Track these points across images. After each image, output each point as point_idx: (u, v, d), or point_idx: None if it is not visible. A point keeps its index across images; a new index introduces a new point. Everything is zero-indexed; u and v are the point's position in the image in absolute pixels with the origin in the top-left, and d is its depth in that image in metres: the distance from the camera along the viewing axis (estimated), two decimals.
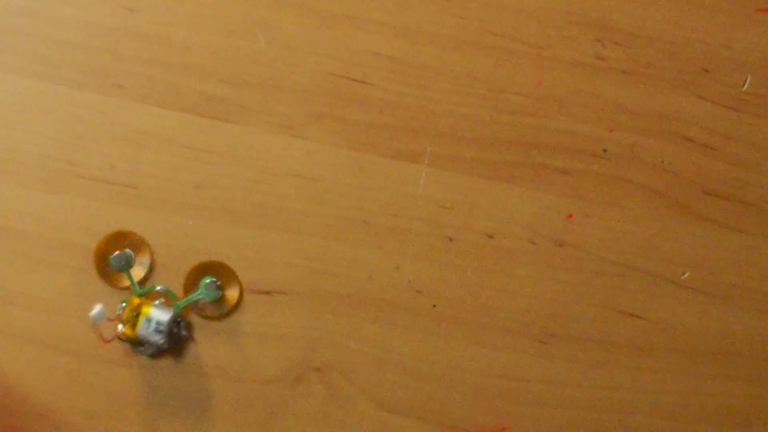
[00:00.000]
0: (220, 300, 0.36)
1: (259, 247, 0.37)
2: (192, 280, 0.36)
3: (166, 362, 0.36)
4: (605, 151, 0.38)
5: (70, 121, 0.37)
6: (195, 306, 0.36)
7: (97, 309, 0.34)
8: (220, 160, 0.37)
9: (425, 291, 0.37)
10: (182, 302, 0.36)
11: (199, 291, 0.36)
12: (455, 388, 0.37)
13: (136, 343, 0.35)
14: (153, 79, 0.37)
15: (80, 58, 0.37)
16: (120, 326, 0.35)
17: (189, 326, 0.36)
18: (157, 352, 0.36)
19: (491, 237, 0.37)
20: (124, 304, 0.35)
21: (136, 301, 0.35)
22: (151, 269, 0.36)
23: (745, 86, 0.38)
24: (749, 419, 0.37)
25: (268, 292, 0.37)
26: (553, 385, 0.37)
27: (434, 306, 0.37)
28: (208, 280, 0.36)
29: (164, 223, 0.37)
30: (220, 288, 0.36)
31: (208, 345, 0.37)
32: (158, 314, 0.35)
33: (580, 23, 0.38)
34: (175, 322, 0.35)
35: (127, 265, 0.36)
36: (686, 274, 0.38)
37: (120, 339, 0.35)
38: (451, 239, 0.37)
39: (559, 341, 0.37)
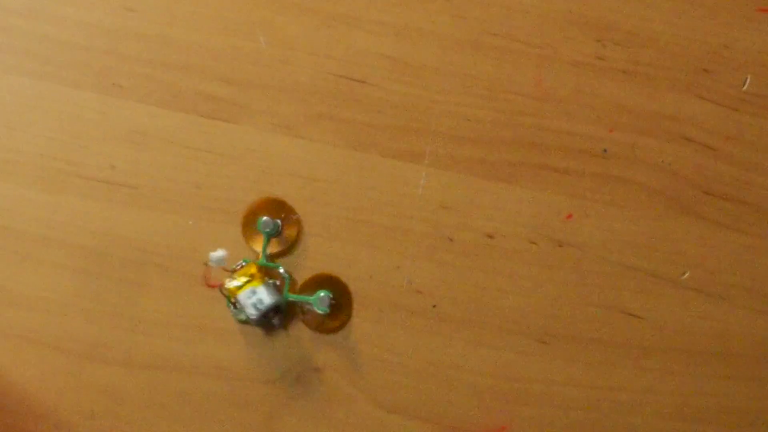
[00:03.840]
0: (325, 314, 0.36)
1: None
2: (310, 285, 0.36)
3: (166, 362, 0.36)
4: (605, 151, 0.38)
5: (69, 121, 0.37)
6: (300, 307, 0.36)
7: (220, 252, 0.34)
8: (220, 160, 0.37)
9: (425, 291, 0.37)
10: (293, 297, 0.36)
11: (313, 300, 0.36)
12: (455, 388, 0.37)
13: (231, 302, 0.35)
14: (153, 79, 0.37)
15: (80, 58, 0.37)
16: (228, 281, 0.35)
17: (284, 318, 0.36)
18: (243, 321, 0.36)
19: (491, 237, 0.37)
20: (243, 263, 0.36)
21: (254, 269, 0.35)
22: (284, 252, 0.36)
23: (745, 86, 0.38)
24: (749, 419, 0.37)
25: None
26: (553, 385, 0.37)
27: (434, 306, 0.37)
28: (323, 293, 0.36)
29: (164, 223, 0.37)
30: (332, 305, 0.36)
31: (209, 345, 0.37)
32: (265, 293, 0.34)
33: (580, 23, 0.38)
34: (275, 309, 0.35)
35: (271, 232, 0.36)
36: (686, 274, 0.38)
37: (221, 290, 0.35)
38: (451, 239, 0.37)
39: (559, 341, 0.37)
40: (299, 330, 0.37)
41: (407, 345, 0.37)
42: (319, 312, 0.36)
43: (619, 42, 0.38)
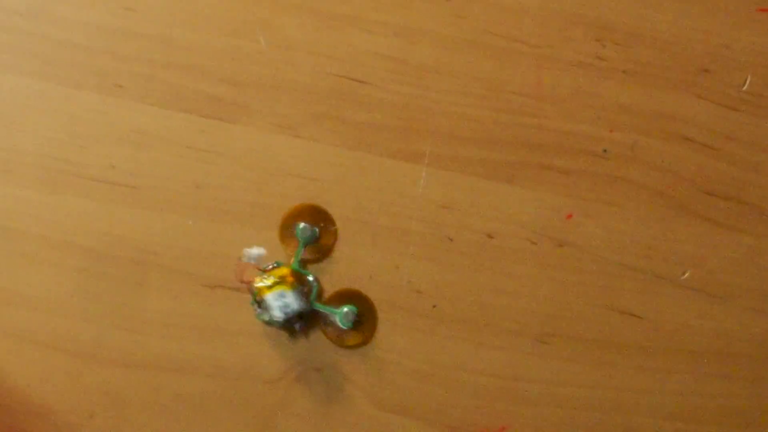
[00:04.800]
0: (348, 329, 0.36)
1: (258, 246, 0.37)
2: (337, 298, 0.36)
3: (166, 362, 0.36)
4: (605, 151, 0.38)
5: (70, 121, 0.37)
6: (324, 317, 0.36)
7: (257, 250, 0.35)
8: (220, 160, 0.37)
9: (425, 291, 0.37)
10: (320, 307, 0.36)
11: (338, 314, 0.36)
12: (455, 388, 0.37)
13: (257, 300, 0.35)
14: (153, 79, 0.37)
15: (80, 58, 0.37)
16: (258, 279, 0.35)
17: (305, 325, 0.36)
18: (266, 321, 0.36)
19: (491, 237, 0.37)
20: (275, 265, 0.36)
21: (287, 271, 0.35)
22: (316, 261, 0.37)
23: (745, 86, 0.38)
24: (749, 419, 0.37)
25: None
26: (553, 385, 0.37)
27: (434, 306, 0.37)
28: (347, 309, 0.36)
29: (164, 223, 0.37)
30: (356, 321, 0.36)
31: (209, 345, 0.37)
32: (293, 298, 0.35)
33: (580, 23, 0.38)
34: (300, 315, 0.35)
35: (308, 239, 0.36)
36: (686, 274, 0.38)
37: (249, 287, 0.35)
38: (451, 239, 0.37)
39: (559, 341, 0.37)
40: (300, 331, 0.37)
41: (407, 345, 0.37)
42: (345, 327, 0.36)
43: (619, 42, 0.38)
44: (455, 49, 0.38)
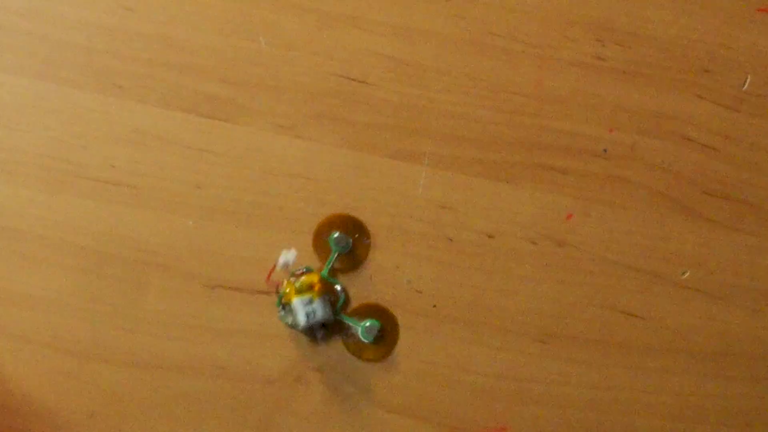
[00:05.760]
0: (370, 343, 0.36)
1: (258, 247, 0.37)
2: (361, 311, 0.37)
3: (166, 362, 0.36)
4: (605, 151, 0.38)
5: (70, 121, 0.37)
6: (346, 330, 0.36)
7: (291, 254, 0.35)
8: (220, 160, 0.37)
9: (425, 291, 0.37)
10: (344, 318, 0.36)
11: (360, 327, 0.36)
12: (455, 388, 0.37)
13: (282, 303, 0.36)
14: (153, 79, 0.37)
15: (80, 58, 0.37)
16: (287, 283, 0.35)
17: (327, 334, 0.36)
18: (288, 324, 0.36)
19: (491, 237, 0.37)
20: (305, 270, 0.36)
21: (316, 279, 0.35)
22: (345, 271, 0.37)
23: (745, 86, 0.38)
24: (749, 419, 0.37)
25: (268, 292, 0.37)
26: (553, 385, 0.37)
27: (434, 306, 0.37)
28: (369, 323, 0.36)
29: (164, 223, 0.37)
30: (378, 336, 0.36)
31: (208, 345, 0.37)
32: (319, 307, 0.35)
33: (580, 23, 0.38)
34: (324, 324, 0.36)
35: (342, 248, 0.36)
36: (686, 274, 0.38)
37: (277, 290, 0.36)
38: (451, 239, 0.37)
39: (558, 341, 0.37)
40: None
41: (407, 345, 0.37)
42: (367, 340, 0.36)
43: (619, 42, 0.38)
44: (455, 49, 0.38)
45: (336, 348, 0.37)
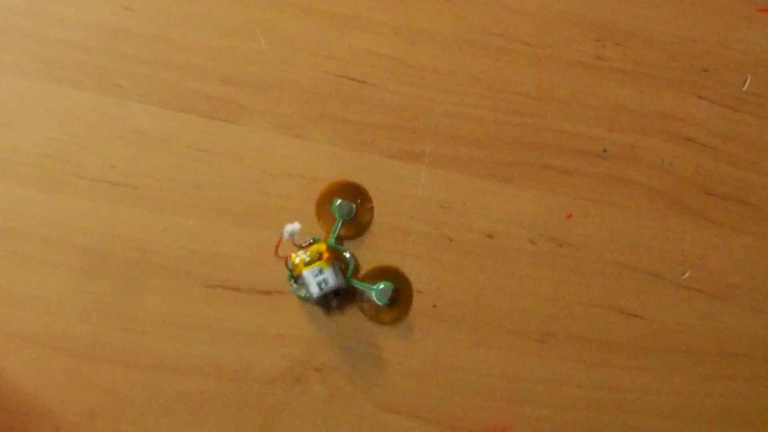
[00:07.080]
0: (383, 306, 0.36)
1: (259, 247, 0.37)
2: (373, 274, 0.37)
3: (166, 362, 0.36)
4: (605, 151, 0.38)
5: (70, 121, 0.37)
6: (360, 294, 0.36)
7: (295, 225, 0.34)
8: (220, 160, 0.37)
9: (425, 291, 0.37)
10: (356, 283, 0.36)
11: (374, 291, 0.36)
12: (455, 388, 0.37)
13: (293, 277, 0.36)
14: (153, 79, 0.37)
15: (80, 58, 0.37)
16: (295, 256, 0.35)
17: (341, 301, 0.37)
18: (302, 297, 0.36)
19: (491, 237, 0.37)
20: (311, 241, 0.36)
21: (324, 248, 0.35)
22: (352, 237, 0.37)
23: (745, 86, 0.38)
24: (749, 419, 0.37)
25: (268, 292, 0.37)
26: (553, 385, 0.37)
27: (434, 306, 0.37)
28: (384, 285, 0.36)
29: (164, 223, 0.37)
30: (393, 298, 0.36)
31: (208, 345, 0.37)
32: (330, 275, 0.35)
33: (580, 23, 0.38)
34: (336, 291, 0.36)
35: (346, 215, 0.36)
36: (686, 274, 0.38)
37: (286, 263, 0.36)
38: (451, 239, 0.37)
39: (559, 341, 0.37)
40: (299, 329, 0.37)
41: (407, 345, 0.37)
42: (381, 303, 0.36)
43: (619, 42, 0.38)
44: (455, 49, 0.38)
45: (336, 348, 0.37)
